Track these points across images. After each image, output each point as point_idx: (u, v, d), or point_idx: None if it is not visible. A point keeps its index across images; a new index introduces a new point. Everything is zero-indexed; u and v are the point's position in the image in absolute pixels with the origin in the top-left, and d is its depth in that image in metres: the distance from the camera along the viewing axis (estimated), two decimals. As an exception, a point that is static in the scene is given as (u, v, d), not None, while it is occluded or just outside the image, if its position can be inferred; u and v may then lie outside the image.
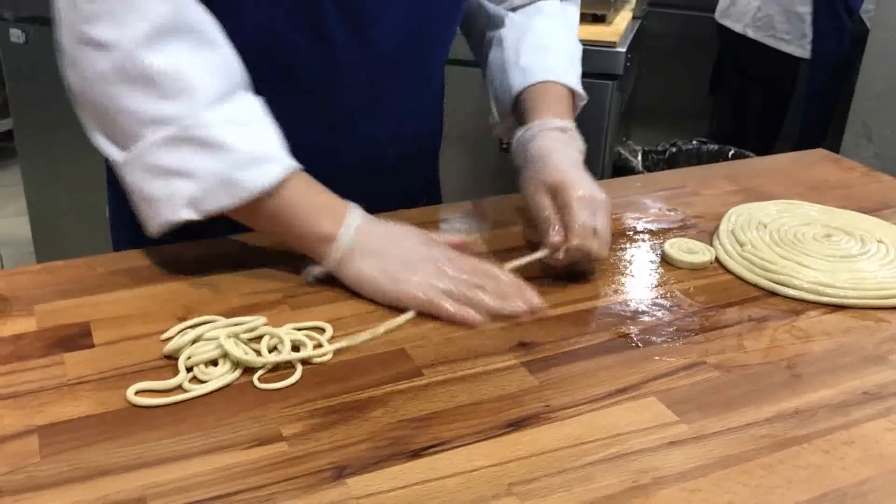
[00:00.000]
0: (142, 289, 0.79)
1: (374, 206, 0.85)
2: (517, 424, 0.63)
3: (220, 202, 0.76)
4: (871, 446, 0.62)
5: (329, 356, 0.70)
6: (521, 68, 1.00)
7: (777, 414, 0.65)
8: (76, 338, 0.71)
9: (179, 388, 0.65)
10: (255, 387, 0.66)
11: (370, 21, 0.87)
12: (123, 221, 1.01)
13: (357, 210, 0.80)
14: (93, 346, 0.70)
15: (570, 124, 0.95)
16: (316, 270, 0.80)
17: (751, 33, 2.68)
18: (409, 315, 0.76)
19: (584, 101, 1.03)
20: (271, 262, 0.84)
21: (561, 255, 0.82)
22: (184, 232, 0.81)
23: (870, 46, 1.99)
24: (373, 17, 0.87)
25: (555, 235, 0.83)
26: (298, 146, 0.82)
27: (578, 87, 1.01)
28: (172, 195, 0.75)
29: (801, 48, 2.59)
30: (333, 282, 0.80)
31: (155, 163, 0.75)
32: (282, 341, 0.70)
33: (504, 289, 0.78)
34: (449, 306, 0.76)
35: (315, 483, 0.56)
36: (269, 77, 0.85)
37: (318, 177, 0.82)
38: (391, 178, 1.00)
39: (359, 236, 0.78)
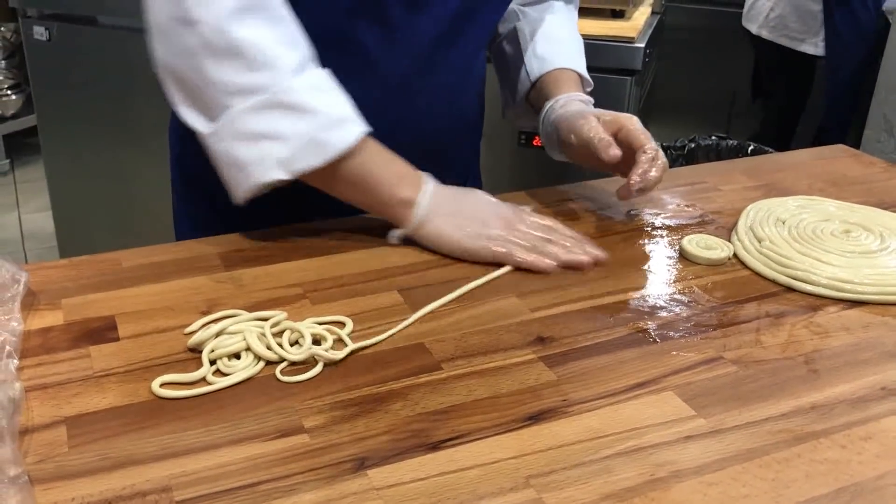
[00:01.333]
0: (166, 283, 0.80)
1: None
2: (535, 418, 0.64)
3: (309, 161, 0.82)
4: (890, 441, 0.62)
5: (342, 354, 0.71)
6: (539, 57, 1.08)
7: (795, 409, 0.66)
8: (102, 331, 0.73)
9: (203, 381, 0.66)
10: (277, 379, 0.67)
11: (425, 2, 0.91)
12: (187, 212, 1.04)
13: (430, 177, 0.89)
14: (118, 339, 0.72)
15: (590, 100, 1.05)
16: (398, 233, 0.88)
17: (765, 34, 2.69)
18: (424, 311, 0.77)
19: (591, 88, 1.10)
20: (292, 258, 0.86)
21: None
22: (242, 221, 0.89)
23: (891, 41, 1.98)
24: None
25: (613, 150, 0.92)
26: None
27: (587, 76, 1.10)
28: (263, 157, 0.81)
29: (814, 46, 2.59)
30: (410, 243, 0.89)
31: (245, 129, 0.81)
32: (303, 335, 0.71)
33: (568, 242, 0.88)
34: (525, 256, 0.85)
35: (336, 474, 0.57)
36: (329, 51, 0.89)
37: None
38: (439, 161, 1.01)
39: (434, 199, 0.87)
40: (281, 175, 0.81)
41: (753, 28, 2.74)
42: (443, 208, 0.87)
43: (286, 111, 0.81)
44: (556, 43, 1.09)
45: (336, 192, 0.87)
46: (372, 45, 0.91)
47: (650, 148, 0.92)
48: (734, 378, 0.69)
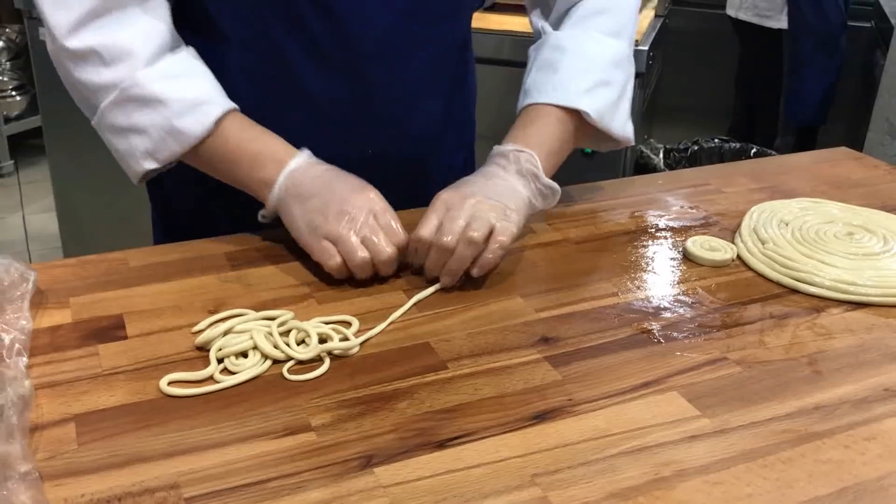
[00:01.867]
0: (174, 283, 0.81)
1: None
2: (541, 417, 0.64)
3: (172, 150, 0.84)
4: (893, 442, 0.63)
5: (356, 349, 0.71)
6: (525, 90, 0.96)
7: (798, 409, 0.66)
8: (110, 329, 0.73)
9: (211, 379, 0.67)
10: (284, 378, 0.68)
11: (347, 12, 0.87)
12: (163, 223, 1.04)
13: (301, 156, 0.85)
14: (126, 337, 0.72)
15: (511, 147, 0.89)
16: (262, 212, 0.86)
17: (742, 16, 2.81)
18: (407, 306, 0.78)
19: (593, 112, 0.92)
20: (299, 258, 0.86)
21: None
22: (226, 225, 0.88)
23: (893, 45, 1.98)
24: (348, 8, 0.87)
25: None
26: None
27: (575, 102, 0.92)
28: (133, 150, 0.85)
29: (778, 22, 2.69)
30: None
31: (113, 123, 0.84)
32: (309, 335, 0.71)
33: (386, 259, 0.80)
34: (337, 274, 0.81)
35: (343, 472, 0.58)
36: (266, 84, 0.89)
37: None
38: (404, 176, 0.96)
39: (292, 180, 0.83)
40: (152, 165, 0.84)
41: (732, 12, 2.87)
42: (298, 190, 0.82)
43: (140, 104, 0.83)
44: (547, 71, 0.94)
45: (211, 174, 0.88)
46: (299, 65, 0.89)
47: (412, 240, 0.82)
48: (738, 379, 0.70)
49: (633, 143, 1.01)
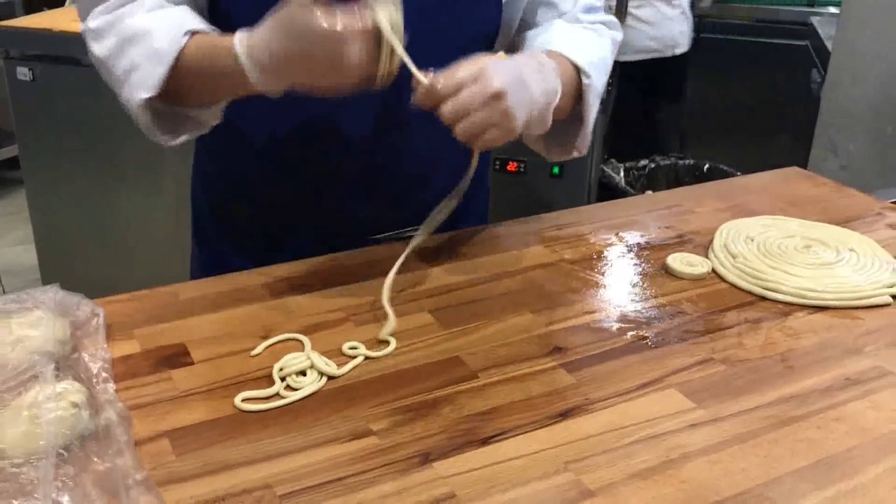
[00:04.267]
0: (223, 313, 0.90)
1: (386, 222, 0.95)
2: (564, 415, 0.75)
3: (157, 73, 0.88)
4: (856, 421, 0.75)
5: (392, 346, 0.82)
6: (537, 43, 1.03)
7: (777, 399, 0.79)
8: (177, 356, 0.83)
9: (277, 395, 0.77)
10: (340, 392, 0.78)
11: None
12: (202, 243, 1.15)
13: (243, 36, 0.85)
14: (193, 363, 0.82)
15: (546, 59, 0.94)
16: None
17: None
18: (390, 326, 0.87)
19: (589, 80, 1.01)
20: (332, 284, 0.96)
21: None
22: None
23: (832, 66, 2.16)
24: None
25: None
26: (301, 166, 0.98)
27: (582, 65, 1.00)
28: (131, 86, 0.90)
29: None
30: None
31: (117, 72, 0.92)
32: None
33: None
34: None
35: (407, 467, 0.68)
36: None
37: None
38: (405, 192, 1.04)
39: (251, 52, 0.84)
40: (150, 92, 0.88)
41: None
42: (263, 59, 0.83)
43: (130, 41, 0.90)
44: (564, 34, 1.03)
45: (205, 96, 0.93)
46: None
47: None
48: (724, 375, 0.82)
49: (584, 154, 1.08)
